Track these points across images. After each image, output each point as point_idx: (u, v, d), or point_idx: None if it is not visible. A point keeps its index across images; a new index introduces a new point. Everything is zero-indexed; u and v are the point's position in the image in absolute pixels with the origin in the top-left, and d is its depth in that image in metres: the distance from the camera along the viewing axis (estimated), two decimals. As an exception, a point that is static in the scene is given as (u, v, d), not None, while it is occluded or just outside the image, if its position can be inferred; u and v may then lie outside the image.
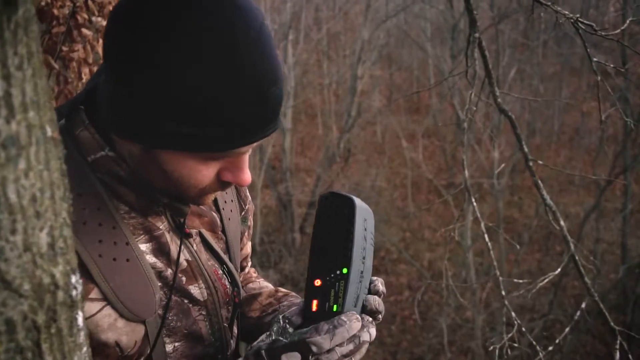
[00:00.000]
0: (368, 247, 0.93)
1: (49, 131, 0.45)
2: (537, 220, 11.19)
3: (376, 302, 0.92)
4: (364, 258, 0.92)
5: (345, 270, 0.89)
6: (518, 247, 3.75)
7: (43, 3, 3.03)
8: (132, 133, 0.82)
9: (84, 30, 3.22)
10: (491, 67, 1.89)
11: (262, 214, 12.26)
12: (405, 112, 15.01)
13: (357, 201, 0.93)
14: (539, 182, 1.71)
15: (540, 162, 1.80)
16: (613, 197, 12.06)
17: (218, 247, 1.05)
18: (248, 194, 1.21)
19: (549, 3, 1.52)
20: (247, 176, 0.87)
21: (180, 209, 0.94)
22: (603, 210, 11.17)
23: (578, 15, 1.54)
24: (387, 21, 13.02)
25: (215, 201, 1.08)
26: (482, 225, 2.19)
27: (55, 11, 3.13)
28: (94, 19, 3.04)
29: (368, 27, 12.29)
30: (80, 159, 0.87)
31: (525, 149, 1.71)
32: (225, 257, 1.05)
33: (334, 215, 0.92)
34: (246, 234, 1.21)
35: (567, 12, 1.54)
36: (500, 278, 2.38)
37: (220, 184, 0.89)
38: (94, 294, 0.83)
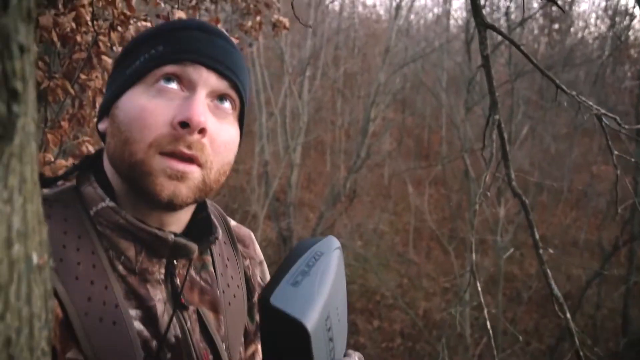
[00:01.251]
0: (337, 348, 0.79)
1: (35, 259, 0.42)
2: (537, 281, 11.07)
3: None
4: None
5: None
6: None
7: (68, 29, 3.06)
8: (102, 110, 0.92)
9: (104, 58, 3.24)
10: (504, 127, 1.86)
11: (261, 246, 12.17)
12: (415, 158, 15.03)
13: (310, 325, 0.71)
14: (548, 270, 1.67)
15: (550, 250, 1.75)
16: (617, 263, 11.94)
17: (216, 331, 0.96)
18: (257, 252, 1.13)
19: (574, 93, 1.50)
20: (195, 111, 0.82)
21: (186, 248, 0.88)
22: (606, 276, 11.04)
23: (603, 111, 1.52)
24: (405, 67, 13.13)
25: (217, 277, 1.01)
26: (478, 284, 2.14)
27: (79, 37, 3.15)
28: (114, 48, 3.07)
29: (385, 70, 12.38)
30: (84, 215, 0.87)
31: (537, 236, 1.67)
32: (221, 344, 0.96)
33: (286, 341, 0.74)
34: (252, 333, 1.09)
35: (591, 104, 1.53)
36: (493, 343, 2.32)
37: (172, 134, 0.82)
38: (72, 353, 0.79)
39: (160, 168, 0.82)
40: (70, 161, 3.87)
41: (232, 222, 1.10)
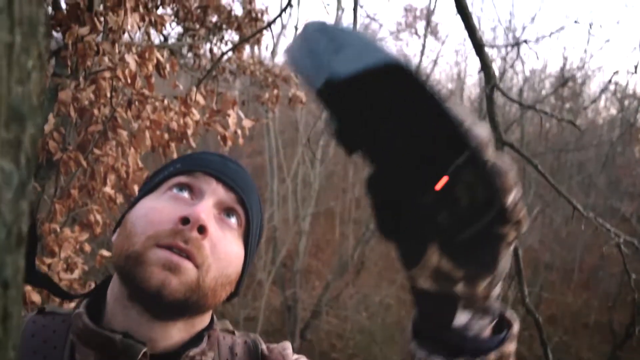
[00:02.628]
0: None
1: None
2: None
3: None
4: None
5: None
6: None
7: (87, 102, 3.11)
8: (117, 223, 0.94)
9: (120, 131, 3.27)
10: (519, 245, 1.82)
11: (265, 314, 11.98)
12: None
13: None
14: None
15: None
16: (629, 347, 11.57)
17: None
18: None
19: (600, 220, 1.48)
20: (198, 209, 0.83)
21: (133, 349, 0.81)
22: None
23: (622, 238, 1.49)
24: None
25: None
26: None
27: (96, 111, 3.19)
28: (131, 125, 3.10)
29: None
30: (66, 327, 0.88)
31: (550, 355, 1.60)
32: None
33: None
34: None
35: (614, 229, 1.50)
36: None
37: (172, 229, 0.82)
38: None
39: (154, 258, 0.81)
40: (77, 230, 3.86)
41: (265, 350, 0.98)
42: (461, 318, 0.59)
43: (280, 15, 1.98)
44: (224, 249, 0.86)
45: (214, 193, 0.88)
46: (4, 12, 0.30)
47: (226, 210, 0.90)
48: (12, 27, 0.30)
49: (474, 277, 0.57)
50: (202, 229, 0.82)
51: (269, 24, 2.00)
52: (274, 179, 12.40)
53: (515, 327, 0.64)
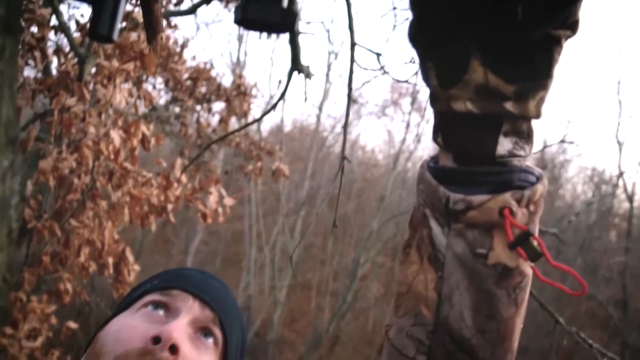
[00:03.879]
0: None
1: None
2: None
3: None
4: None
5: None
6: None
7: (67, 171, 3.06)
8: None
9: (98, 200, 3.21)
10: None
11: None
12: (401, 306, 14.70)
13: None
14: None
15: None
16: None
17: None
18: None
19: (583, 335, 1.45)
20: (170, 328, 0.77)
21: None
22: None
23: (608, 354, 1.46)
24: (398, 216, 13.29)
25: None
26: None
27: (76, 180, 3.15)
28: (110, 195, 3.05)
29: (379, 218, 12.50)
30: None
31: None
32: None
33: None
34: None
35: (596, 346, 1.47)
36: None
37: (142, 349, 0.76)
38: None
39: None
40: (45, 299, 3.72)
41: None
42: (504, 144, 0.52)
43: (268, 112, 1.98)
44: None
45: (190, 311, 0.84)
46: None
47: (202, 330, 0.84)
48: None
49: (526, 91, 0.50)
50: (173, 349, 0.76)
51: (257, 120, 2.00)
52: (252, 247, 12.26)
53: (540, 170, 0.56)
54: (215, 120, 5.56)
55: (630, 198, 14.24)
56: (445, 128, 0.54)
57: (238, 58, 12.73)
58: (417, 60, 0.53)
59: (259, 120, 1.92)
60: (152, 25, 0.76)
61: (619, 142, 14.28)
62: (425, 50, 0.52)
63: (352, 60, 1.62)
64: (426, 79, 0.52)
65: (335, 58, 13.71)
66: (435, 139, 0.55)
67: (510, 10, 0.44)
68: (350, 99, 1.59)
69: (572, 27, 0.49)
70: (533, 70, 0.49)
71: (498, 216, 0.50)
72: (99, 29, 0.51)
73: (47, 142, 3.33)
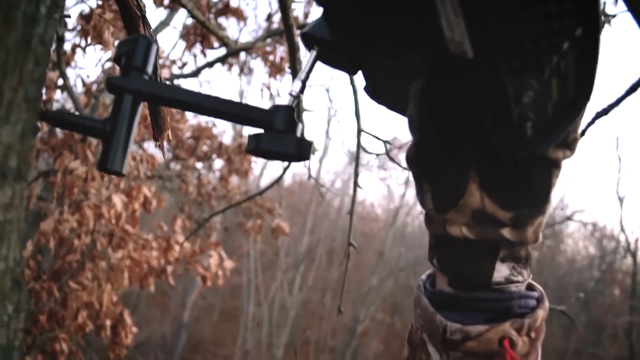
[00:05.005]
0: None
1: None
2: None
3: None
4: None
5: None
6: None
7: (67, 231, 3.07)
8: None
9: (98, 261, 3.21)
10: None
11: None
12: (401, 364, 14.38)
13: None
14: None
15: None
16: None
17: None
18: None
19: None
20: None
21: None
22: None
23: None
24: (398, 272, 13.19)
25: None
26: None
27: (76, 241, 3.15)
28: (109, 257, 3.05)
29: (378, 273, 12.40)
30: None
31: None
32: None
33: None
34: None
35: None
36: None
37: None
38: None
39: None
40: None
41: None
42: (501, 271, 0.50)
43: (272, 186, 2.01)
44: None
45: None
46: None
47: None
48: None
49: (524, 218, 0.48)
50: None
51: (260, 193, 2.03)
52: (250, 302, 12.11)
53: (540, 287, 0.54)
54: (215, 177, 5.60)
55: (633, 254, 14.14)
56: (441, 251, 0.53)
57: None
58: (413, 180, 0.54)
59: (262, 192, 1.95)
60: (159, 124, 0.79)
61: (619, 198, 14.29)
62: (423, 173, 0.52)
63: (359, 146, 1.65)
64: (422, 200, 0.53)
65: (335, 114, 13.89)
66: (430, 259, 0.55)
67: (519, 132, 0.43)
68: (357, 185, 1.61)
69: (571, 146, 0.48)
70: (531, 196, 0.48)
71: (497, 346, 0.48)
72: (109, 164, 0.51)
73: (49, 202, 3.35)
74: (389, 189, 19.49)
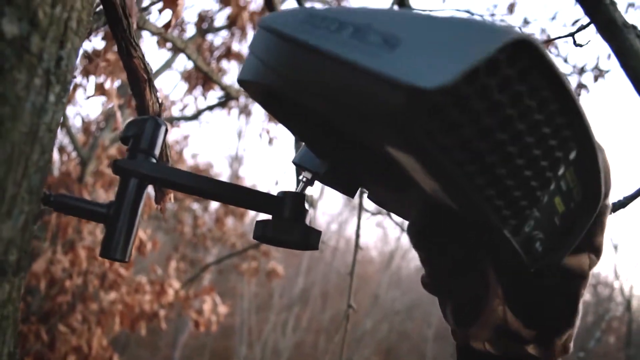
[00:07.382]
0: None
1: None
2: None
3: None
4: None
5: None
6: None
7: (59, 273, 3.03)
8: None
9: (89, 303, 3.15)
10: None
11: None
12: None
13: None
14: None
15: None
16: None
17: None
18: None
19: None
20: None
21: None
22: None
23: None
24: (392, 316, 13.05)
25: None
26: None
27: (68, 282, 3.10)
28: (101, 299, 3.00)
29: (372, 317, 12.26)
30: None
31: None
32: None
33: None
34: None
35: None
36: None
37: None
38: None
39: None
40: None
41: None
42: None
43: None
44: None
45: None
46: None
47: None
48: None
49: (550, 335, 0.45)
50: None
51: (256, 246, 2.01)
52: (243, 343, 11.91)
53: None
54: (211, 218, 5.57)
55: (628, 303, 14.03)
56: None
57: (237, 154, 12.96)
58: (435, 297, 0.52)
59: (258, 245, 1.92)
60: (161, 190, 0.78)
61: (614, 246, 14.26)
62: (442, 295, 0.50)
63: (361, 207, 1.65)
64: (444, 315, 0.51)
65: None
66: None
67: (527, 251, 0.41)
68: (358, 247, 1.60)
69: (597, 250, 0.46)
70: (556, 311, 0.45)
71: None
72: (111, 252, 0.50)
73: (42, 241, 3.31)
74: (384, 231, 19.43)
